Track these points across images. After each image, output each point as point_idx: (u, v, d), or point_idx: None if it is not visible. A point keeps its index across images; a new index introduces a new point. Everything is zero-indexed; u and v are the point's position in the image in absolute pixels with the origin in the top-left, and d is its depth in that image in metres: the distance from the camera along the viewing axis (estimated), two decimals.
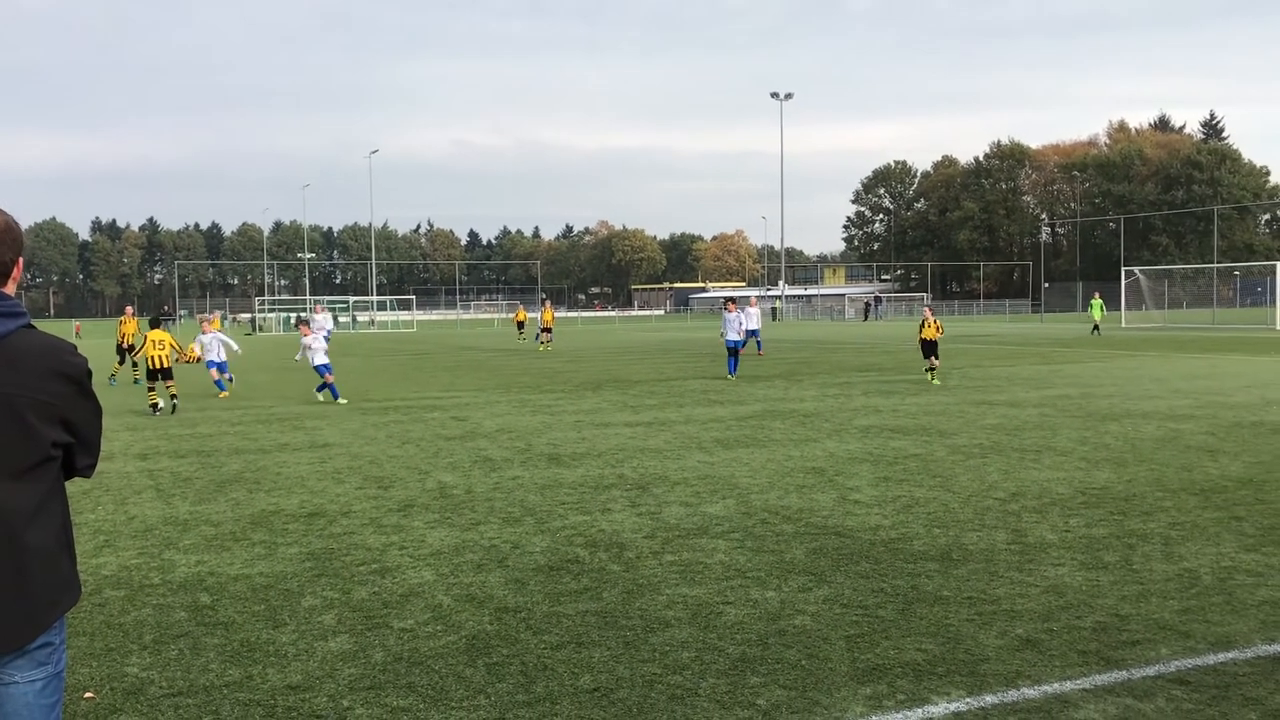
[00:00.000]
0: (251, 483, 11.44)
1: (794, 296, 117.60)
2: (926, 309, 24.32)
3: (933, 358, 22.80)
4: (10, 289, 3.03)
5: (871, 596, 6.74)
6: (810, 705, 5.02)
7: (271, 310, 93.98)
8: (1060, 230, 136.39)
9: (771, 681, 5.32)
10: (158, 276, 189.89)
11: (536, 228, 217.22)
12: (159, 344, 18.78)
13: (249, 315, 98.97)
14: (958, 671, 5.42)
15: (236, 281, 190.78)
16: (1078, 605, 6.49)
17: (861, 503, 9.78)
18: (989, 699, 5.06)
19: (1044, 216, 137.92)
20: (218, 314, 24.98)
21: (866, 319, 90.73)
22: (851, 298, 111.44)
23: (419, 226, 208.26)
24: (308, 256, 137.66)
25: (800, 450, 13.14)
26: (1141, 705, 4.94)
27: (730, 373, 25.28)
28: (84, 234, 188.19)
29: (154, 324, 19.82)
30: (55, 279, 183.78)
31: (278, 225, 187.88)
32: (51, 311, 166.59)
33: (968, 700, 5.05)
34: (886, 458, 12.44)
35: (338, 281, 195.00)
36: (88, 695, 5.25)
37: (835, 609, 6.49)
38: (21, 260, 3.05)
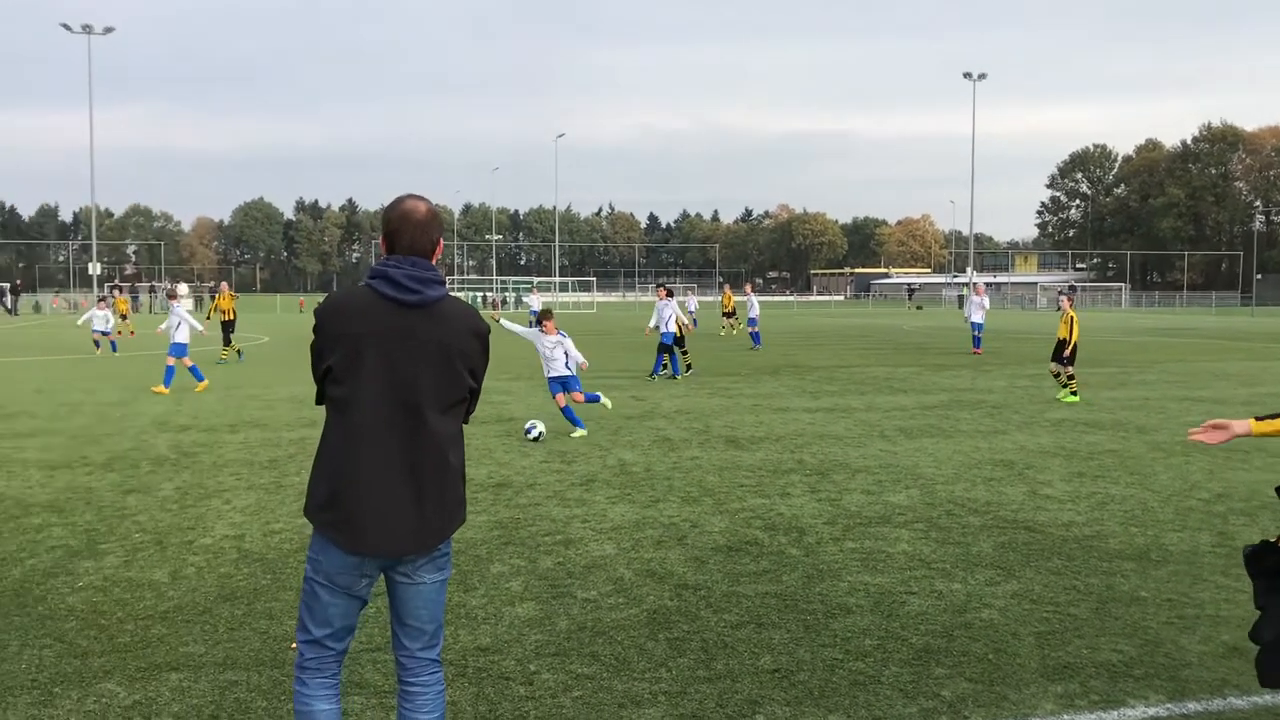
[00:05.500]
0: None
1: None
2: (1063, 298, 18.67)
3: (1063, 364, 17.20)
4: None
5: (1063, 594, 6.50)
6: (998, 699, 4.89)
7: (460, 289, 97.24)
8: (1277, 218, 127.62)
9: (956, 674, 5.20)
10: (355, 255, 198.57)
11: (716, 211, 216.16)
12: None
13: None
14: (1157, 675, 5.17)
15: None
16: None
17: (1053, 498, 9.44)
18: (1192, 705, 4.82)
19: (1258, 203, 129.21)
20: (181, 286, 20.01)
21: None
22: (1044, 286, 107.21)
23: (600, 210, 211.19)
24: (495, 238, 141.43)
25: (988, 442, 12.76)
26: None
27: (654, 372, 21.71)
28: (288, 213, 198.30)
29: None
30: (262, 255, 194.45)
31: (467, 207, 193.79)
32: (258, 286, 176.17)
33: (1168, 705, 4.82)
34: (1080, 452, 11.96)
35: (522, 263, 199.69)
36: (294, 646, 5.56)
37: (1024, 604, 6.29)
38: (442, 240, 3.67)
